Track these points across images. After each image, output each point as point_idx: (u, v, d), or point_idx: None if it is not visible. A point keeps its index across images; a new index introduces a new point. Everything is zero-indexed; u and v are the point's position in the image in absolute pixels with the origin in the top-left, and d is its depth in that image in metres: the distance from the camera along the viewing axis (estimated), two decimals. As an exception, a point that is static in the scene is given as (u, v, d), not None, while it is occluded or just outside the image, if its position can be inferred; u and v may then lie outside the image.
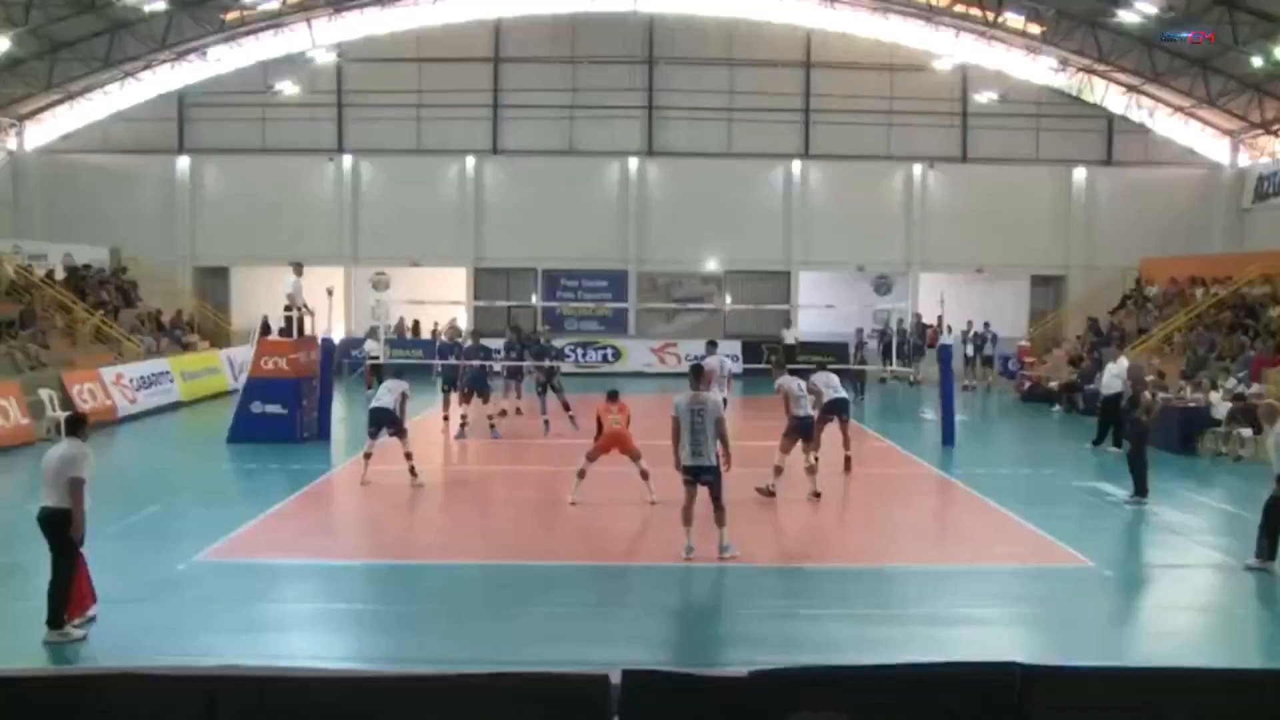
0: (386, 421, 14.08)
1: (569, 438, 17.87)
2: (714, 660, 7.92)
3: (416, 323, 31.39)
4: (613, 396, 13.27)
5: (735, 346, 29.70)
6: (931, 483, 15.24)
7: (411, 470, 13.87)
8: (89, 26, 27.85)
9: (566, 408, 18.53)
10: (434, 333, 30.88)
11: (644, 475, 12.78)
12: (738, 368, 26.22)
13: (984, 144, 32.53)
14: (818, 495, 13.15)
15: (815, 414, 13.86)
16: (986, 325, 28.08)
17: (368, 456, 14.23)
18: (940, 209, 32.38)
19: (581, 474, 12.89)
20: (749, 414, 20.69)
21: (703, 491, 10.36)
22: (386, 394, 14.25)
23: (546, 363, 19.23)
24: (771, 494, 12.97)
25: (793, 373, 14.36)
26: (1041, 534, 11.63)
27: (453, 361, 18.48)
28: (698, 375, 10.85)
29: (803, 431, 13.36)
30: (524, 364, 19.79)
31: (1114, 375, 17.97)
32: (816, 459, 13.60)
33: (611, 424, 12.94)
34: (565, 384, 19.42)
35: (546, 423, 18.60)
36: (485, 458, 17.11)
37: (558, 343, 23.09)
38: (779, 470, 13.15)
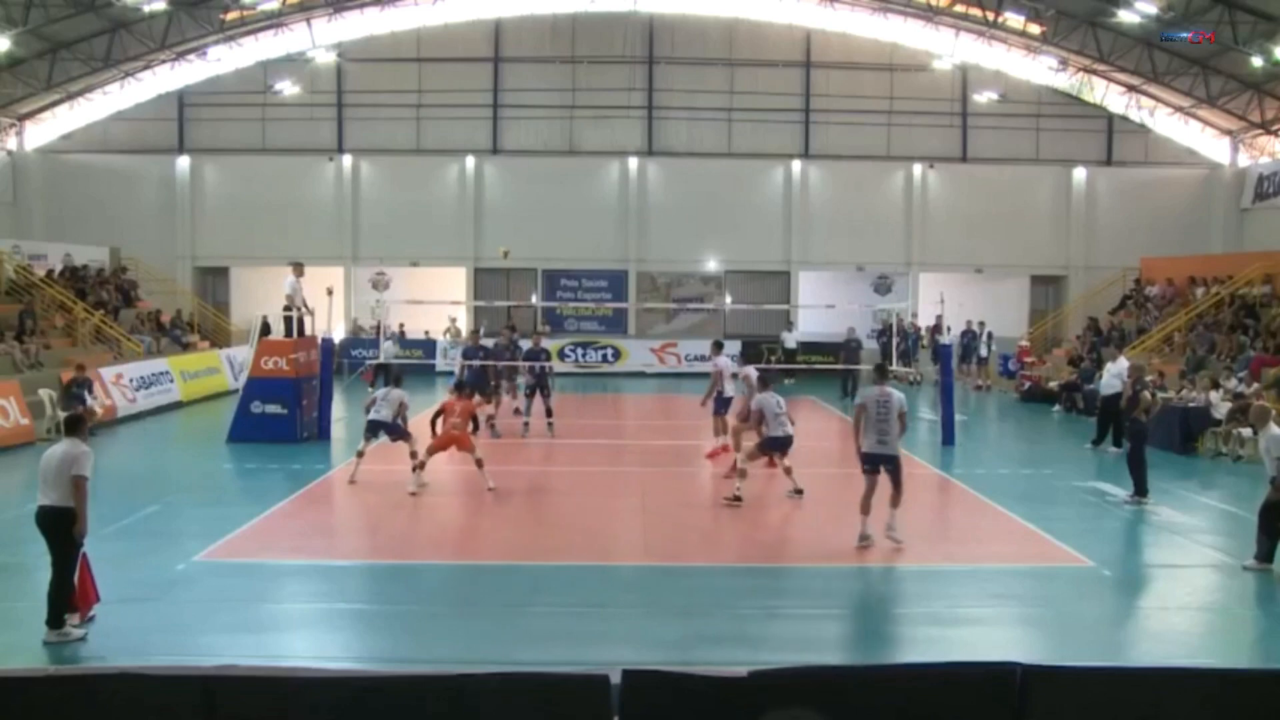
0: (385, 430, 14.20)
1: (566, 437, 17.89)
2: (714, 660, 7.91)
3: (377, 325, 30.98)
4: (460, 390, 13.88)
5: (735, 346, 29.71)
6: (931, 483, 15.23)
7: (417, 466, 13.51)
8: (89, 26, 27.88)
9: (549, 414, 18.43)
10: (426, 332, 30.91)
11: (479, 464, 13.32)
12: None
13: (984, 144, 32.56)
14: (799, 492, 13.09)
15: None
16: (982, 324, 28.17)
17: (360, 455, 14.20)
18: (940, 209, 32.40)
19: (421, 465, 13.34)
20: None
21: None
22: (385, 406, 14.20)
23: (539, 365, 19.03)
24: (739, 500, 12.69)
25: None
26: (1041, 534, 11.63)
27: (476, 362, 18.48)
28: (883, 373, 11.52)
29: (778, 449, 13.16)
30: (515, 363, 19.68)
31: (1113, 375, 17.97)
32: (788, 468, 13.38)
33: (451, 428, 13.39)
34: (564, 384, 19.31)
35: (527, 424, 18.38)
36: (489, 458, 17.06)
37: (552, 344, 22.81)
38: (743, 473, 12.97)
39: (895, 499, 10.83)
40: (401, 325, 30.63)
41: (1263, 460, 10.50)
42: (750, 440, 13.69)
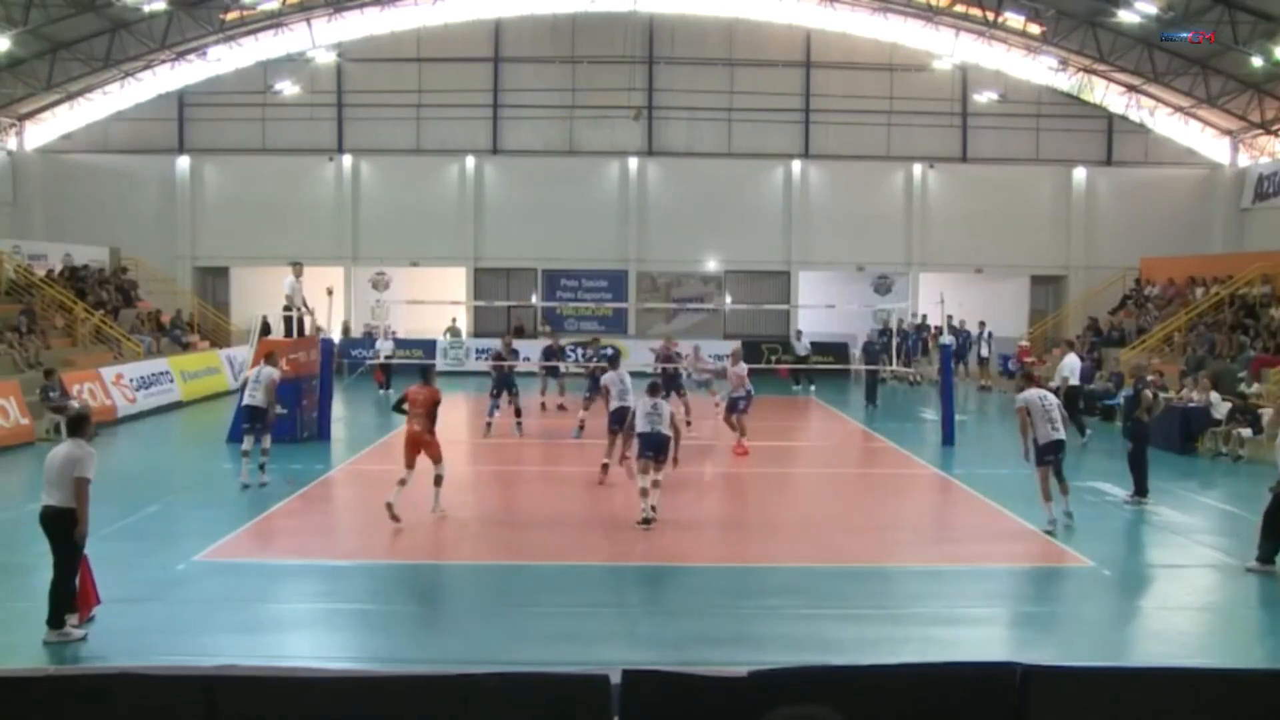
0: (257, 418, 14.08)
1: (567, 437, 17.89)
2: (714, 660, 7.91)
3: (346, 324, 30.25)
4: (424, 375, 12.36)
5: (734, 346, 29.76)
6: (931, 483, 15.24)
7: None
8: (89, 26, 27.86)
9: (518, 414, 18.49)
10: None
11: (436, 481, 11.89)
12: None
13: (984, 144, 32.54)
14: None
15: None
16: (982, 324, 28.13)
17: (245, 454, 14.02)
18: (940, 209, 32.39)
19: (402, 482, 11.69)
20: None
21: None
22: (259, 389, 14.11)
23: (507, 364, 19.11)
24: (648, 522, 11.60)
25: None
26: (1042, 534, 11.62)
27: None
28: (1029, 379, 12.74)
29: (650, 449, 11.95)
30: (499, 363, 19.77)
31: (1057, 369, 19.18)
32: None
33: (412, 421, 11.92)
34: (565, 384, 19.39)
35: (489, 425, 18.51)
36: (484, 458, 17.11)
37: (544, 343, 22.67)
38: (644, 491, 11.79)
39: (1065, 485, 11.91)
40: (351, 324, 30.27)
41: (1273, 458, 10.42)
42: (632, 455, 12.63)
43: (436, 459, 11.92)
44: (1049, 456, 11.80)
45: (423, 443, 11.90)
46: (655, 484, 11.73)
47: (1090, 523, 12.37)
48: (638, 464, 11.96)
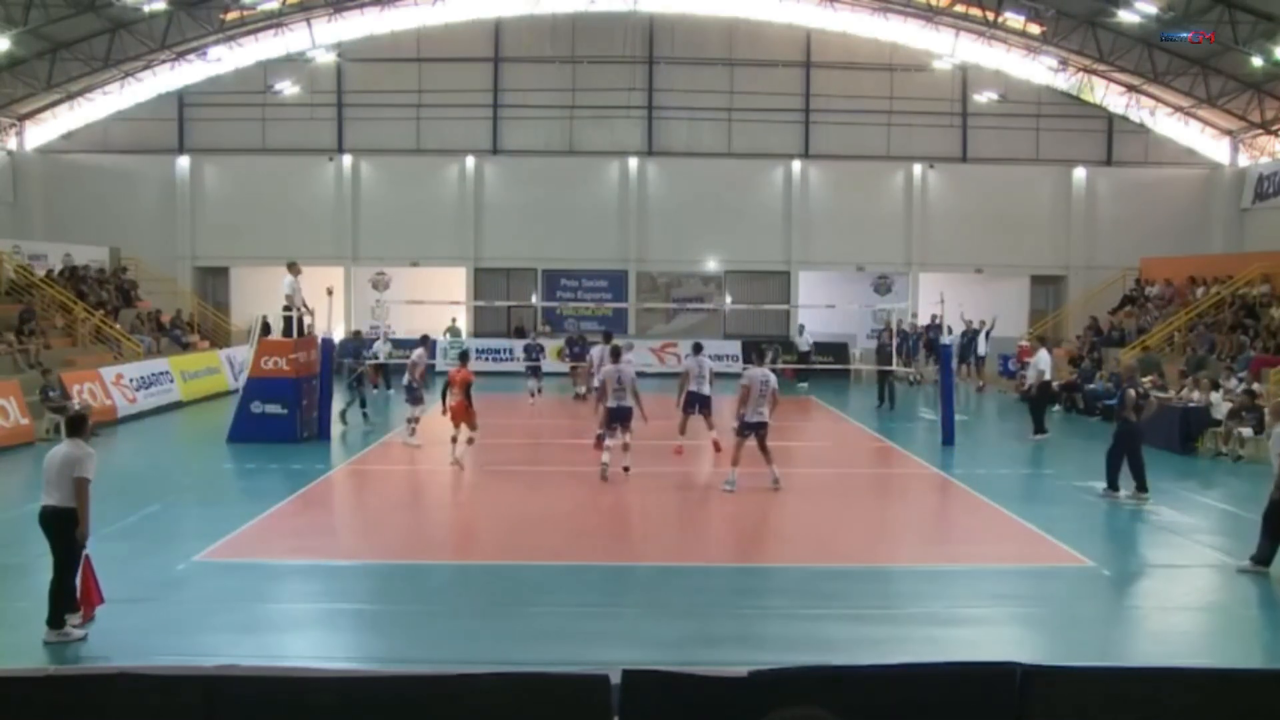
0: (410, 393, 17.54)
1: (565, 437, 17.89)
2: (714, 660, 7.90)
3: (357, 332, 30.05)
4: (464, 358, 15.68)
5: (735, 346, 29.81)
6: (931, 483, 15.24)
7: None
8: (89, 26, 27.86)
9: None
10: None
11: (468, 440, 14.86)
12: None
13: (984, 144, 32.54)
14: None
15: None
16: (983, 323, 28.11)
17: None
18: (940, 209, 32.39)
19: (454, 440, 14.99)
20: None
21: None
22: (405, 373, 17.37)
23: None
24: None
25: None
26: (1041, 534, 11.63)
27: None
28: (761, 357, 14.20)
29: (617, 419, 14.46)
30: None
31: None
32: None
33: (451, 399, 15.00)
34: (564, 384, 19.35)
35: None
36: (483, 458, 17.08)
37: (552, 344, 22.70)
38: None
39: (769, 458, 13.65)
40: (380, 318, 30.08)
41: (1270, 460, 10.39)
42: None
43: (472, 425, 14.76)
44: (748, 432, 13.27)
45: (461, 410, 14.73)
46: (626, 446, 14.23)
47: (1090, 523, 12.40)
48: (606, 431, 14.50)
